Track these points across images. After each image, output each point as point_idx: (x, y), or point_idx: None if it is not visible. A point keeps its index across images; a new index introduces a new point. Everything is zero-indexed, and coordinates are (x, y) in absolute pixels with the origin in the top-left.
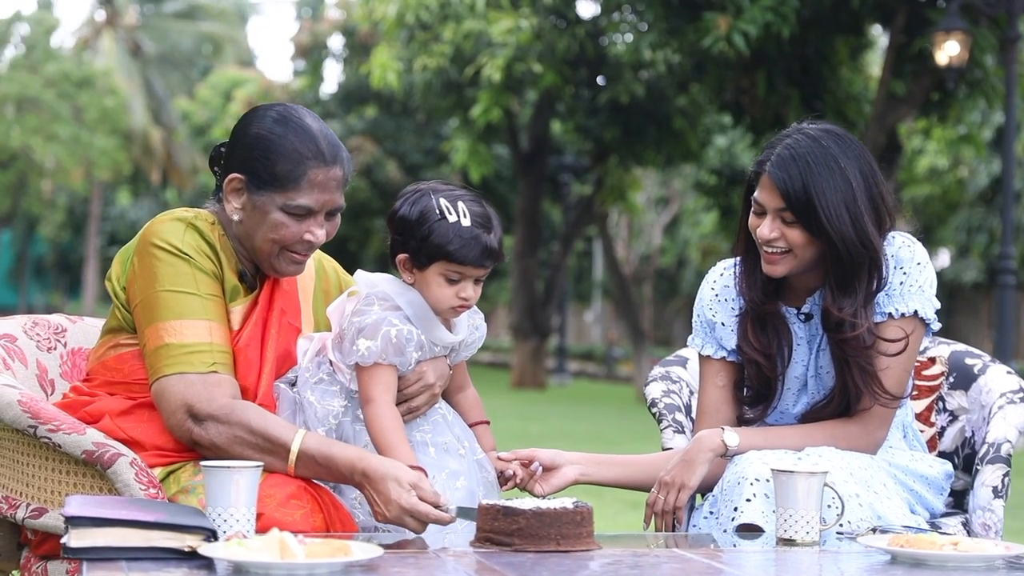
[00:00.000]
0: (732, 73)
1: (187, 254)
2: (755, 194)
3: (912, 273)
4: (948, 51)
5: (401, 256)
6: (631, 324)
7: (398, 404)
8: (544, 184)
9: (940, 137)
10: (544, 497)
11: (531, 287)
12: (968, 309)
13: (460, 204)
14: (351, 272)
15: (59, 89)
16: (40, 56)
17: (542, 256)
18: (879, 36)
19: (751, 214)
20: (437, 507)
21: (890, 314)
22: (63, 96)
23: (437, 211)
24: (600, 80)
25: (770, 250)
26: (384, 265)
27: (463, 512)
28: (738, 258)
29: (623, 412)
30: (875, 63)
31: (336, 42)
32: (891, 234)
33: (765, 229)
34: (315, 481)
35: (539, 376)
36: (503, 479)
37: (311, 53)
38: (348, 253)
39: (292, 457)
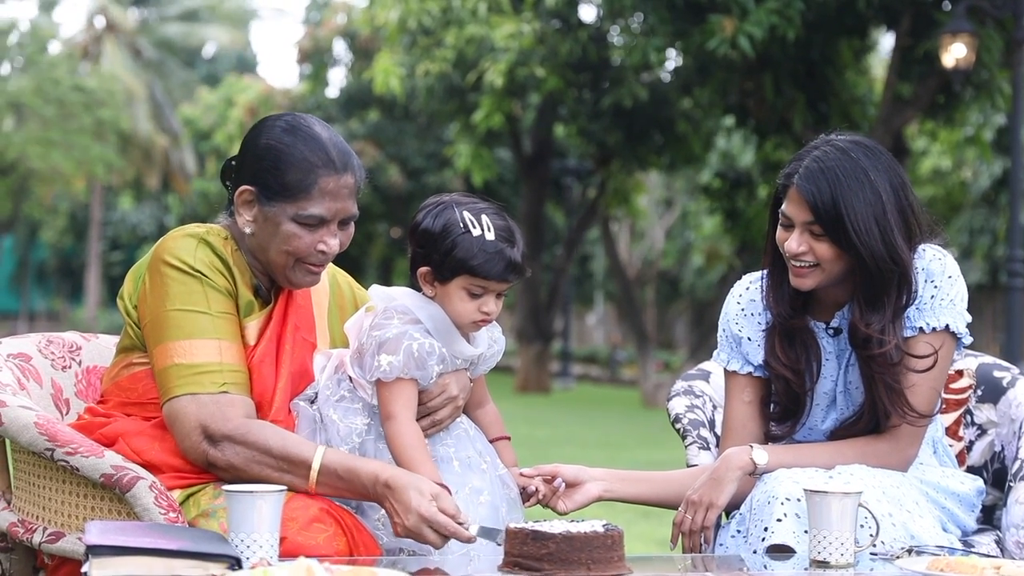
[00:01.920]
0: (737, 76)
1: (199, 271)
2: (783, 207)
3: (943, 287)
4: (954, 53)
5: (423, 269)
6: (635, 327)
7: (422, 417)
8: (547, 188)
9: (946, 139)
10: (567, 514)
11: (535, 291)
12: (972, 311)
13: (484, 217)
14: (359, 280)
15: (53, 96)
16: (37, 64)
17: (545, 260)
18: (882, 38)
19: (779, 227)
20: (457, 523)
21: (920, 328)
22: (58, 103)
23: (461, 224)
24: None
25: (798, 264)
26: (386, 270)
27: (484, 532)
28: (765, 271)
29: (629, 416)
30: (878, 65)
31: (339, 47)
32: (921, 247)
33: (793, 243)
34: (337, 502)
35: (543, 380)
36: (525, 495)
37: (313, 58)
38: (350, 258)
39: (313, 474)
